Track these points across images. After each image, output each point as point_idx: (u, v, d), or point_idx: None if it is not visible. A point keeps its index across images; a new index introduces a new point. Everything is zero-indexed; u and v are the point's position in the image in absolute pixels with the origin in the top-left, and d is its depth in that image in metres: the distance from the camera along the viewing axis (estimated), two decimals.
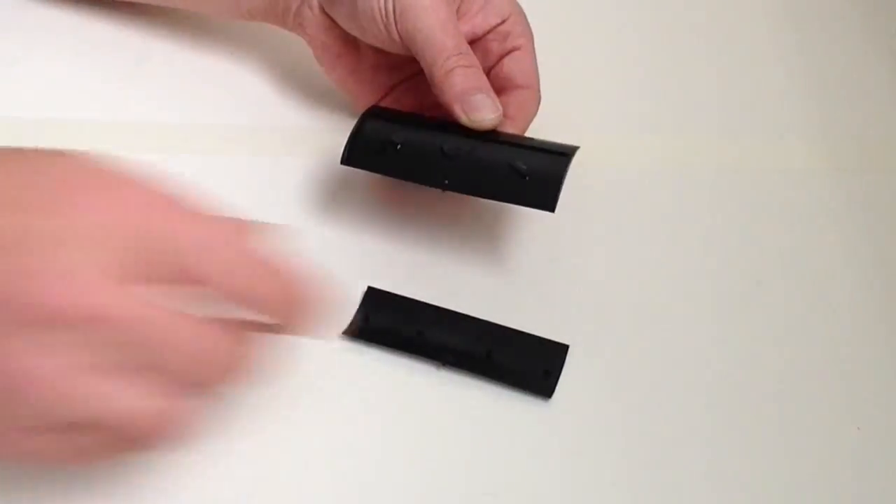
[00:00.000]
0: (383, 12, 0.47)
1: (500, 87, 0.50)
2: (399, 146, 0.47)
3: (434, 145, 0.47)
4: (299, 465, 0.44)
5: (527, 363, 0.47)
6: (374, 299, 0.49)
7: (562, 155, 0.47)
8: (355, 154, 0.48)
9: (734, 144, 0.58)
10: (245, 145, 0.55)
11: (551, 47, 0.52)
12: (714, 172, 0.56)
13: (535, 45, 0.51)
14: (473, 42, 0.50)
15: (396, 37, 0.48)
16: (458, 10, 0.50)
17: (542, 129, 0.51)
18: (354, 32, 0.50)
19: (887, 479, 0.45)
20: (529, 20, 0.52)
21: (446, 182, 0.47)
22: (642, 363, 0.48)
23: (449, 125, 0.48)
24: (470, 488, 0.44)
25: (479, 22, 0.50)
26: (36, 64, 0.56)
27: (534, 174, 0.46)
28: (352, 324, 0.48)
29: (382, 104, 0.52)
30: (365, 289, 0.49)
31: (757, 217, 0.55)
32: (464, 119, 0.47)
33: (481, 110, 0.47)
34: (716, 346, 0.49)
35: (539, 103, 0.51)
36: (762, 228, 0.54)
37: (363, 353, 0.47)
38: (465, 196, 0.50)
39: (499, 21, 0.51)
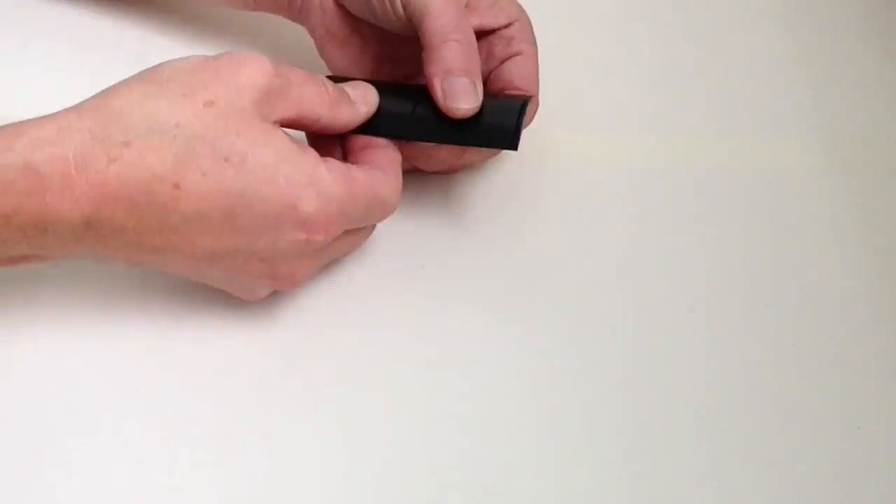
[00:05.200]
0: None
1: (500, 91, 0.50)
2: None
3: (401, 109, 0.47)
4: (296, 463, 0.44)
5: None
6: None
7: (518, 98, 0.48)
8: None
9: (733, 144, 0.58)
10: None
11: (548, 46, 0.52)
12: (712, 172, 0.56)
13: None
14: (478, 37, 0.50)
15: (402, 13, 0.47)
16: (467, 4, 0.49)
17: (539, 127, 0.51)
18: (363, 14, 0.50)
19: (887, 478, 0.45)
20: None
21: (410, 132, 0.47)
22: (637, 363, 0.48)
23: (408, 89, 0.48)
24: (470, 488, 0.44)
25: (487, 19, 0.50)
26: (34, 61, 0.56)
27: (493, 116, 0.46)
28: None
29: None
30: None
31: (756, 217, 0.54)
32: (439, 98, 0.46)
33: (459, 98, 0.46)
34: (714, 346, 0.49)
35: (536, 110, 0.51)
36: (761, 228, 0.54)
37: (357, 348, 0.47)
38: (447, 186, 0.51)
39: (506, 22, 0.50)
